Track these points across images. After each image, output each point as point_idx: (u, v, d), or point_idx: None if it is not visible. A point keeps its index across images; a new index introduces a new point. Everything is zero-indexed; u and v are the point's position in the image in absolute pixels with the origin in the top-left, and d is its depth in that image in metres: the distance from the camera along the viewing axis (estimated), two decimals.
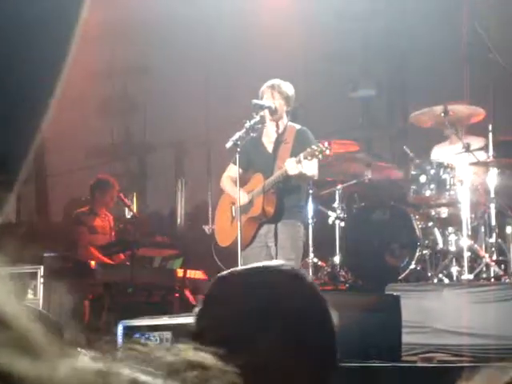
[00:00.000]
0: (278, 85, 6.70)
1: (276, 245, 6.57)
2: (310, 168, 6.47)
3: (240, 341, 1.51)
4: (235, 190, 6.63)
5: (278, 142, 6.74)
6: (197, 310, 1.65)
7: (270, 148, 6.78)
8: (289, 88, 6.74)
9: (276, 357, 1.53)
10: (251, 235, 6.64)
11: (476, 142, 7.71)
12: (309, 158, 6.29)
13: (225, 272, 1.72)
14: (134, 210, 9.12)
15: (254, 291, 1.60)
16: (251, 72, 9.53)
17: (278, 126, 6.75)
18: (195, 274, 8.52)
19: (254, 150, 6.76)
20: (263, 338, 1.53)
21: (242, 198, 6.57)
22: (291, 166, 6.35)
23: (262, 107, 6.62)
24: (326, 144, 6.29)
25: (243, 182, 6.73)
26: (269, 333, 1.54)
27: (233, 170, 6.79)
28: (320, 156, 6.30)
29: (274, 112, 6.66)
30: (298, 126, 6.78)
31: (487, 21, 7.97)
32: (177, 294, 8.21)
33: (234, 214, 6.75)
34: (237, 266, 6.62)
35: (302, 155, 6.30)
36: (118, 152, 10.59)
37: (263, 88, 6.73)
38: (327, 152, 6.29)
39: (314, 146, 6.30)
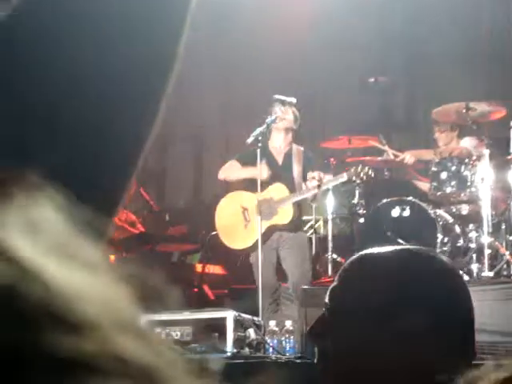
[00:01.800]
0: (290, 102, 6.84)
1: (285, 251, 6.77)
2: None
3: (387, 314, 1.52)
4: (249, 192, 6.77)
5: (289, 158, 6.91)
6: (333, 286, 1.64)
7: (279, 159, 6.95)
8: (296, 105, 6.98)
9: (418, 333, 1.53)
10: (265, 240, 6.78)
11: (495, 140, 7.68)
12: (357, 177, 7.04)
13: (363, 252, 1.71)
14: (153, 205, 9.12)
15: (396, 270, 1.62)
16: (269, 66, 9.51)
17: (286, 140, 6.93)
18: (214, 269, 8.52)
19: (261, 155, 6.83)
20: (406, 314, 1.54)
21: (266, 207, 6.71)
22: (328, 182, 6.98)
23: (283, 102, 6.63)
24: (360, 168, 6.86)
25: (252, 185, 6.84)
26: (411, 311, 1.54)
27: (235, 167, 6.91)
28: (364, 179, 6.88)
29: (288, 129, 6.82)
30: (302, 148, 7.02)
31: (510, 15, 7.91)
32: (196, 289, 8.21)
33: (247, 217, 6.86)
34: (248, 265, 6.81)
35: (351, 172, 6.73)
36: None
37: (275, 100, 6.82)
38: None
39: (363, 168, 6.67)
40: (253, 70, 9.76)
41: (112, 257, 8.01)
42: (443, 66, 9.29)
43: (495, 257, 7.37)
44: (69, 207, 0.51)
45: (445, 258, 1.72)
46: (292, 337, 5.90)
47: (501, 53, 8.47)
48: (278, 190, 6.89)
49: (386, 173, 8.06)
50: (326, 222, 7.77)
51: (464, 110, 7.51)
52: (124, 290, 0.52)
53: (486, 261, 7.19)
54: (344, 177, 6.94)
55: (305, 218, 7.67)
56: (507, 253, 7.27)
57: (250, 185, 6.91)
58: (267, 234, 6.86)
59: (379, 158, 8.03)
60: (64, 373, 0.45)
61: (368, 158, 8.12)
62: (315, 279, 7.38)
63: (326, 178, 7.02)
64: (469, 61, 9.01)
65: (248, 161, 6.78)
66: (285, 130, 6.87)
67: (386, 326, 1.52)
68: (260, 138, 6.51)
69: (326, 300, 1.64)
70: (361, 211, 7.97)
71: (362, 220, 7.91)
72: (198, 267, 8.36)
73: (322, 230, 8.20)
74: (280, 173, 6.92)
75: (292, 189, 6.95)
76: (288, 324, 5.92)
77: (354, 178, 6.91)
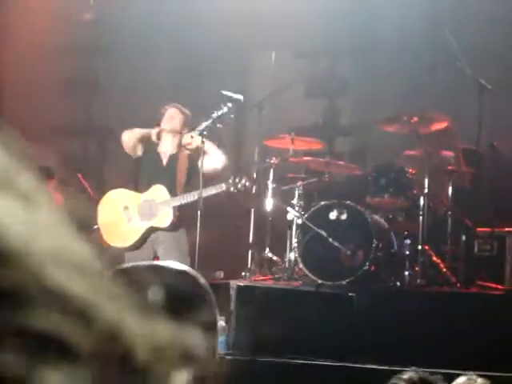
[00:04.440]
0: (237, 99, 7.02)
1: (162, 250, 7.05)
2: None
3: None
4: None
5: (174, 161, 7.35)
6: None
7: (164, 161, 7.43)
8: (186, 111, 7.29)
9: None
10: (143, 240, 7.06)
11: (436, 150, 7.80)
12: None
13: (124, 265, 1.77)
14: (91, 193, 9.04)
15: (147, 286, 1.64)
16: (218, 64, 9.51)
17: (174, 143, 7.31)
18: None
19: (148, 156, 7.26)
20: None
21: (146, 208, 6.95)
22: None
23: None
24: None
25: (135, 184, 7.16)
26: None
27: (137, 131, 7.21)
28: None
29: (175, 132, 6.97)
30: (187, 153, 7.38)
31: (456, 28, 8.03)
32: None
33: (129, 216, 6.99)
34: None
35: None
36: (77, 132, 10.49)
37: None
38: None
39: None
40: (204, 66, 9.76)
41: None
42: (389, 74, 9.39)
43: (428, 265, 7.48)
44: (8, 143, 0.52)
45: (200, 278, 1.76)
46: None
47: (446, 67, 8.60)
48: (158, 192, 7.08)
49: (326, 175, 8.12)
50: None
51: (406, 119, 7.60)
52: (67, 223, 0.51)
53: (418, 268, 7.30)
54: (222, 187, 7.08)
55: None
56: (440, 261, 7.39)
57: (133, 184, 7.13)
58: (145, 235, 7.07)
59: (321, 159, 8.09)
60: None
61: (310, 158, 8.17)
62: (250, 277, 7.42)
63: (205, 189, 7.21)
64: (415, 72, 9.12)
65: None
66: (171, 133, 7.12)
67: None
68: (205, 132, 6.62)
69: None
70: (300, 212, 8.01)
71: (300, 221, 7.96)
72: None
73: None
74: (163, 174, 7.09)
75: (172, 192, 7.10)
76: (221, 320, 5.95)
77: (231, 188, 7.06)
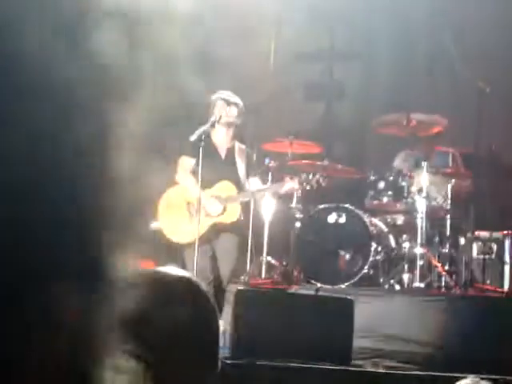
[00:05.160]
0: (234, 101, 6.86)
1: (220, 248, 6.85)
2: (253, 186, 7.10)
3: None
4: (195, 188, 6.73)
5: (232, 155, 6.92)
6: None
7: (223, 155, 6.96)
8: (240, 103, 6.95)
9: (164, 353, 1.61)
10: (207, 236, 6.80)
11: (435, 153, 7.80)
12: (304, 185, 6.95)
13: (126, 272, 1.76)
14: None
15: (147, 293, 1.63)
16: (213, 67, 9.50)
17: (229, 136, 6.92)
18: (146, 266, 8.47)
19: (209, 152, 6.84)
20: (149, 336, 1.59)
21: (214, 204, 6.72)
22: (288, 185, 7.06)
23: (228, 102, 6.64)
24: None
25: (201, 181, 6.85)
26: (153, 331, 1.60)
27: (186, 163, 6.86)
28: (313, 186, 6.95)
29: (231, 124, 6.81)
30: (243, 146, 7.12)
31: (455, 32, 8.04)
32: None
33: (192, 212, 6.84)
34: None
35: (303, 178, 6.76)
36: None
37: (215, 98, 6.80)
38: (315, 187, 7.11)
39: (315, 175, 6.74)
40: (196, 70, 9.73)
41: None
42: (387, 76, 9.39)
43: (427, 268, 7.48)
44: None
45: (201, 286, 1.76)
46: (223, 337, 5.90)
47: (444, 71, 8.61)
48: (226, 188, 6.92)
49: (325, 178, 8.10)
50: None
51: (404, 122, 7.59)
52: None
53: (417, 272, 7.30)
54: (296, 184, 7.00)
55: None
56: (439, 265, 7.39)
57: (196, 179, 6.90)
58: (210, 231, 6.89)
59: (318, 163, 8.08)
60: None
61: (308, 162, 8.17)
62: (249, 281, 7.41)
63: (273, 185, 7.12)
64: (413, 73, 9.13)
65: (193, 157, 6.80)
66: (227, 125, 6.89)
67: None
68: (203, 136, 6.52)
69: None
70: (298, 215, 8.00)
71: (298, 224, 7.95)
72: None
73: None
74: (226, 170, 6.93)
75: (238, 187, 6.97)
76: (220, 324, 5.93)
77: (305, 186, 6.99)
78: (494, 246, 7.46)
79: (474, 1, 9.07)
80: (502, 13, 8.77)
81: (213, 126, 6.74)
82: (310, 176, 7.02)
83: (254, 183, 7.09)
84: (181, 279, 1.71)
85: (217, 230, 6.91)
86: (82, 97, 0.81)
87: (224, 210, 6.91)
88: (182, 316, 1.64)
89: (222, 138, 6.96)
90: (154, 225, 6.75)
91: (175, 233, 6.95)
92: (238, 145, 7.07)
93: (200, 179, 6.68)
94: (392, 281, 7.48)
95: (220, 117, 6.69)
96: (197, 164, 6.74)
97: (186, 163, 6.88)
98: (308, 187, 7.00)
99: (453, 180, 7.61)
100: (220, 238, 6.93)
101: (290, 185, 7.04)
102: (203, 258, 6.69)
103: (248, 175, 7.07)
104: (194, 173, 6.81)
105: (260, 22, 9.48)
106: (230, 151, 7.03)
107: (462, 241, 7.59)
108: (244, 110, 6.92)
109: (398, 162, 8.06)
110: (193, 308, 1.67)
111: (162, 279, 1.69)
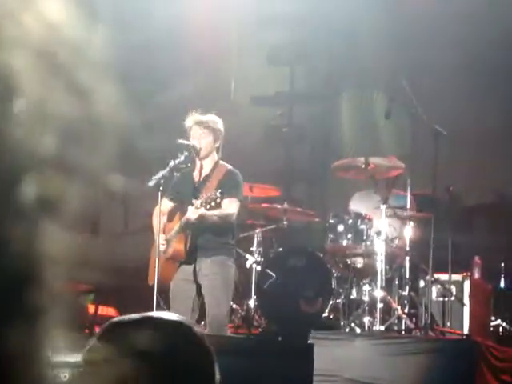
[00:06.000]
0: (205, 121, 6.57)
1: (205, 282, 6.53)
2: (227, 208, 6.46)
3: None
4: (156, 230, 6.62)
5: (204, 180, 6.67)
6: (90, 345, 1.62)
7: (197, 185, 6.72)
8: (217, 123, 6.62)
9: None
10: (171, 275, 6.61)
11: (394, 195, 7.85)
12: (204, 204, 6.26)
13: (116, 319, 1.73)
14: None
15: (138, 341, 1.59)
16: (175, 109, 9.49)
17: (205, 163, 6.68)
18: (107, 311, 8.39)
19: (183, 184, 6.71)
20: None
21: (160, 241, 6.57)
22: (190, 211, 6.33)
23: (186, 147, 6.59)
24: (218, 193, 6.27)
25: (174, 216, 6.72)
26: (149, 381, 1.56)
27: (164, 204, 6.72)
28: (213, 204, 6.28)
29: (198, 152, 6.61)
30: (229, 167, 6.73)
31: (411, 75, 8.13)
32: (87, 331, 8.04)
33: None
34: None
35: (198, 202, 6.27)
36: None
37: (190, 123, 6.58)
38: (218, 201, 6.30)
39: (209, 194, 6.29)
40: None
41: None
42: (347, 119, 9.47)
43: (387, 311, 7.48)
44: None
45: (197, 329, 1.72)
46: None
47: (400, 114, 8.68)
48: (176, 221, 6.74)
49: (284, 222, 8.12)
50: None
51: (363, 166, 7.63)
52: None
53: (378, 314, 7.30)
54: None
55: None
56: (399, 308, 7.39)
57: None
58: (170, 269, 6.64)
59: (279, 206, 8.09)
60: None
61: (268, 205, 8.18)
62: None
63: None
64: (371, 118, 9.20)
65: (170, 196, 6.63)
66: (202, 159, 6.58)
67: None
68: (162, 181, 6.44)
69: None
70: (259, 259, 7.99)
71: (259, 268, 7.93)
72: (91, 308, 8.21)
73: None
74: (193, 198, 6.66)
75: None
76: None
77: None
78: (454, 289, 7.49)
79: (431, 45, 9.21)
80: (458, 56, 8.91)
81: (176, 170, 6.61)
82: None
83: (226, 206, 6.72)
84: (174, 324, 1.67)
85: (198, 267, 6.65)
86: None
87: (169, 243, 6.70)
88: (176, 361, 1.60)
89: (198, 168, 6.72)
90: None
91: (150, 276, 6.76)
92: (219, 167, 6.72)
93: (160, 224, 6.60)
94: (353, 324, 7.47)
95: (179, 162, 6.60)
96: (172, 201, 6.68)
97: (163, 204, 6.71)
98: (209, 206, 6.55)
99: (411, 222, 7.66)
100: (200, 275, 6.64)
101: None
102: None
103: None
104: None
105: (222, 59, 9.53)
106: (205, 178, 6.73)
107: (422, 283, 7.62)
108: (220, 130, 6.62)
109: (353, 205, 8.10)
110: (184, 353, 1.63)
111: (155, 324, 1.65)
